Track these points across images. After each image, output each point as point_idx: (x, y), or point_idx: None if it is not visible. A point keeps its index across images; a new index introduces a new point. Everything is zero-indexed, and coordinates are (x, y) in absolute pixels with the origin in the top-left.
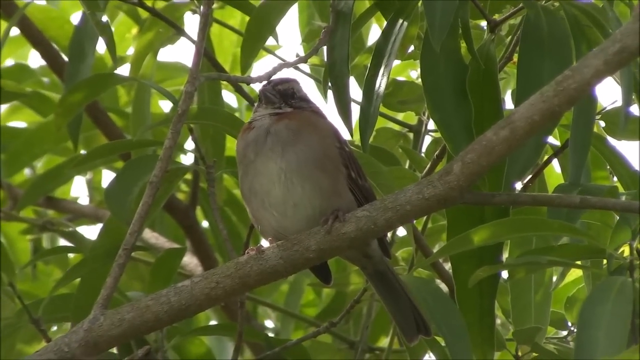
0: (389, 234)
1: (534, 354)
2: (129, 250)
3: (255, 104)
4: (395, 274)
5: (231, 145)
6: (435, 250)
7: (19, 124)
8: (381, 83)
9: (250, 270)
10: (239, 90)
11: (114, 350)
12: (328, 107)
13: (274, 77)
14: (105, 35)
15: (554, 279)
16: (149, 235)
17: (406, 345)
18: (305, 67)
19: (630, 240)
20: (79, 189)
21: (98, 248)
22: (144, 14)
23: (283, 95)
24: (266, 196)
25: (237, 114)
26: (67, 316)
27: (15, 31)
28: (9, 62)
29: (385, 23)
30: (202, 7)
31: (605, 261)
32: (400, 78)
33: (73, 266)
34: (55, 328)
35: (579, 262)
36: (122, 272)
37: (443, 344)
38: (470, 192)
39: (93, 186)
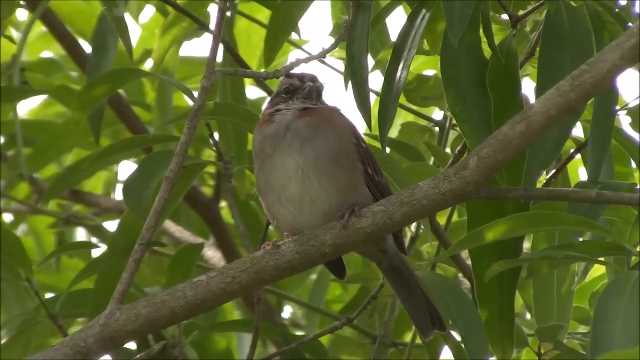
0: (413, 229)
1: (556, 352)
2: (145, 245)
3: (272, 96)
4: (410, 269)
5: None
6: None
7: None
8: (401, 77)
9: (266, 265)
10: (261, 85)
11: (132, 345)
12: (349, 101)
13: (304, 72)
14: (120, 29)
15: (578, 275)
16: (173, 229)
17: (423, 340)
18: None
19: None
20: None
21: (116, 243)
22: (171, 8)
23: (318, 92)
24: (282, 191)
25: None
26: (85, 311)
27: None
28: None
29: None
30: (219, 3)
31: None
32: (429, 72)
33: (91, 261)
34: (77, 323)
35: (597, 258)
36: (138, 267)
37: (459, 339)
38: (487, 187)
39: (119, 181)
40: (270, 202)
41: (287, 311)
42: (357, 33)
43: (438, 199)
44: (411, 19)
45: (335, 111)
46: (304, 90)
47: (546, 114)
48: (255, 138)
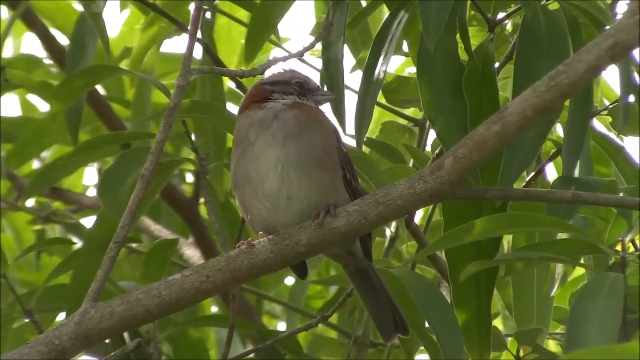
0: (392, 229)
1: (535, 355)
2: (119, 243)
3: (273, 81)
4: (377, 272)
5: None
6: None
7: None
8: (377, 81)
9: (241, 264)
10: (238, 85)
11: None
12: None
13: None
14: (98, 26)
15: (559, 276)
16: (152, 227)
17: (401, 341)
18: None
19: (622, 236)
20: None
21: (93, 238)
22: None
23: (308, 89)
24: (260, 185)
25: None
26: (61, 306)
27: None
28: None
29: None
30: (196, 2)
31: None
32: (411, 69)
33: (67, 256)
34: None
35: (574, 259)
36: (113, 265)
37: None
38: (462, 187)
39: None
40: (246, 195)
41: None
42: (333, 38)
43: (413, 199)
44: (390, 19)
45: (321, 112)
46: (324, 96)
47: (522, 115)
48: (242, 123)
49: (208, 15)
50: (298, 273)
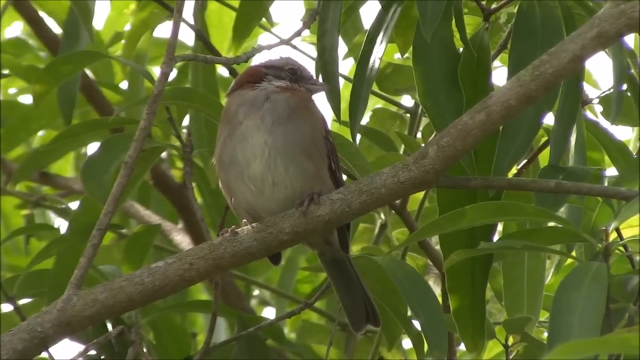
0: (383, 216)
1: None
2: (102, 230)
3: (266, 65)
4: (352, 263)
5: None
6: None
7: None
8: (372, 70)
9: (224, 252)
10: (231, 71)
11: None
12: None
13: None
14: (83, 13)
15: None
16: (142, 212)
17: (384, 328)
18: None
19: (606, 225)
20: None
21: (77, 224)
22: None
23: (301, 77)
24: (246, 168)
25: None
26: (43, 292)
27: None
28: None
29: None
30: None
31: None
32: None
33: (49, 242)
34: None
35: (560, 248)
36: (96, 252)
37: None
38: (446, 176)
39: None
40: (231, 178)
41: (255, 290)
42: (328, 26)
43: (397, 188)
44: (384, 10)
45: (312, 99)
46: (315, 86)
47: (506, 104)
48: (233, 101)
49: None
50: (271, 259)
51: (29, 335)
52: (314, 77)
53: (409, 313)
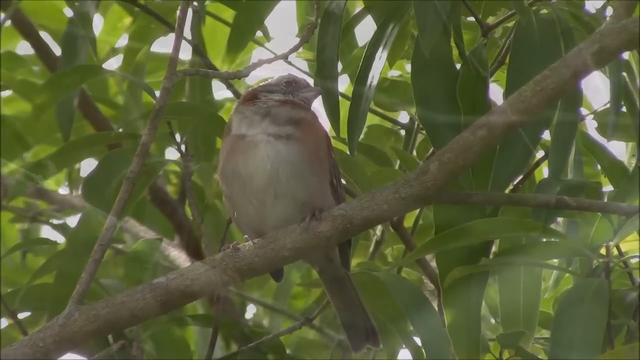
0: (379, 232)
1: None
2: (104, 245)
3: (264, 85)
4: (352, 281)
5: None
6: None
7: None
8: (370, 86)
9: (226, 268)
10: (228, 86)
11: None
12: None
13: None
14: (85, 25)
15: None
16: (138, 228)
17: (383, 342)
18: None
19: (607, 241)
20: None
21: (76, 239)
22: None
23: (297, 87)
24: (249, 181)
25: None
26: (43, 306)
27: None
28: None
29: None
30: (182, 4)
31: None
32: (394, 72)
33: (50, 257)
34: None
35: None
36: (98, 267)
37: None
38: (447, 192)
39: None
40: (234, 192)
41: (250, 312)
42: (327, 41)
43: (398, 204)
44: (381, 29)
45: (314, 114)
46: (311, 92)
47: (508, 120)
48: (235, 116)
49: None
50: (273, 275)
51: (31, 350)
52: (308, 83)
53: (410, 328)
